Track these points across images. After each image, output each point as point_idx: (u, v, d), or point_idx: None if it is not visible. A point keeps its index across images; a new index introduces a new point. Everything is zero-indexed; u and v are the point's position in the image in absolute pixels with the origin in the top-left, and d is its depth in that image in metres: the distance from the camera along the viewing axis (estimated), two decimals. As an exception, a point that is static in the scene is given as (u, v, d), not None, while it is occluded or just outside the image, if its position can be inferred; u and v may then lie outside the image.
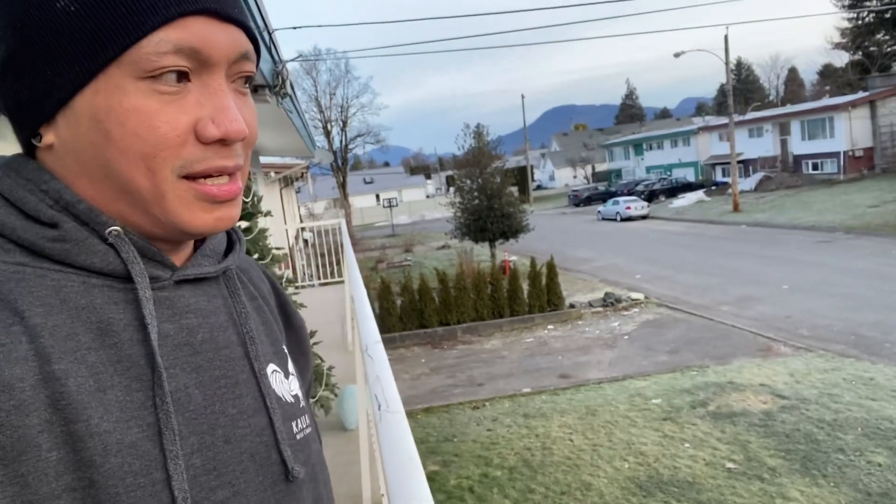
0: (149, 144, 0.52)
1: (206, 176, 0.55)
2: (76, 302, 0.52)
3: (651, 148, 49.34)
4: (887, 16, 42.09)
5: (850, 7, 44.69)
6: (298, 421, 0.66)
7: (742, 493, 5.87)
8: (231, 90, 0.56)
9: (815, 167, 32.72)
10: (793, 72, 76.93)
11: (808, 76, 72.02)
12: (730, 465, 6.45)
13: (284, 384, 0.67)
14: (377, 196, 60.30)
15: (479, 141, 19.05)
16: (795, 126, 34.12)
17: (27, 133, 0.56)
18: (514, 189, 20.39)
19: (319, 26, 17.65)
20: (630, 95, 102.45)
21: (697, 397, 8.25)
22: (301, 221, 19.28)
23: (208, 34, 0.53)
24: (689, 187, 37.77)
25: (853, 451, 6.32)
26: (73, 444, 0.48)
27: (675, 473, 6.43)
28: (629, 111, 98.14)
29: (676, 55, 28.80)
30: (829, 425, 6.84)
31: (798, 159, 33.82)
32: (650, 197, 36.54)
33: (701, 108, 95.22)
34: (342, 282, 8.36)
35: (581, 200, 42.83)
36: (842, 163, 31.04)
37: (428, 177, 75.91)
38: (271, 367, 0.65)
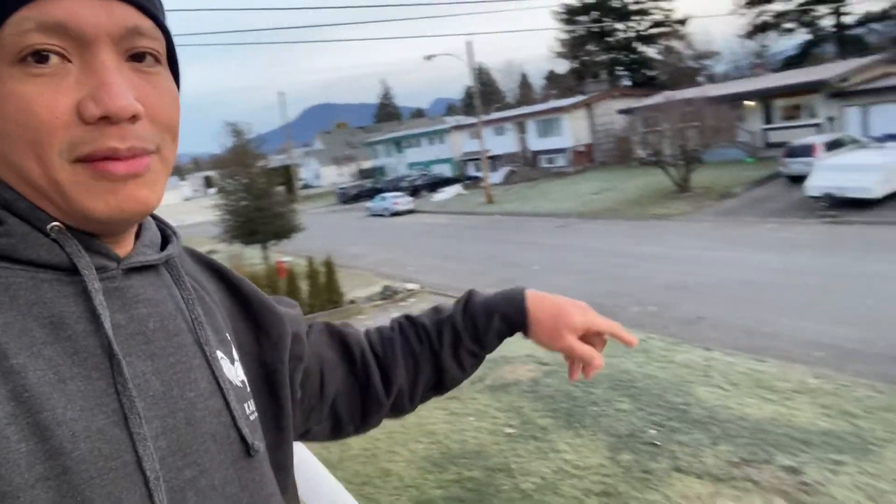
0: (30, 130, 0.51)
1: (98, 159, 0.53)
2: (26, 298, 0.52)
3: (411, 145, 51.62)
4: (595, 30, 49.45)
5: (567, 22, 51.70)
6: (248, 404, 0.68)
7: (521, 453, 6.58)
8: (127, 68, 0.54)
9: (549, 161, 37.16)
10: (525, 77, 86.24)
11: (537, 81, 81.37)
12: (508, 430, 7.18)
13: (231, 370, 0.68)
14: (122, 201, 54.00)
15: (240, 139, 18.25)
16: (531, 125, 38.43)
17: None
18: (281, 188, 19.94)
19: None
20: (386, 95, 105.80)
21: (476, 373, 8.99)
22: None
23: (77, 9, 0.51)
24: (447, 182, 40.28)
25: (604, 402, 7.46)
26: (40, 433, 0.48)
27: (463, 446, 6.97)
28: (386, 110, 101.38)
29: (427, 58, 30.65)
30: (583, 383, 7.99)
31: (535, 155, 38.13)
32: (414, 192, 38.23)
33: (451, 109, 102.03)
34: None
35: (349, 198, 43.37)
36: (569, 157, 35.79)
37: (182, 178, 70.22)
38: (218, 353, 0.66)
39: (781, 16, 36.21)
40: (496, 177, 35.79)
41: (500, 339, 0.98)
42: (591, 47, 52.44)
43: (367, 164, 59.96)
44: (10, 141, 0.52)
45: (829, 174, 15.82)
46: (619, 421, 6.97)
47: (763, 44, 39.92)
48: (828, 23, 35.39)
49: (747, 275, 11.78)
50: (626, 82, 48.43)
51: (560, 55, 55.97)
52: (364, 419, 0.94)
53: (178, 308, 0.64)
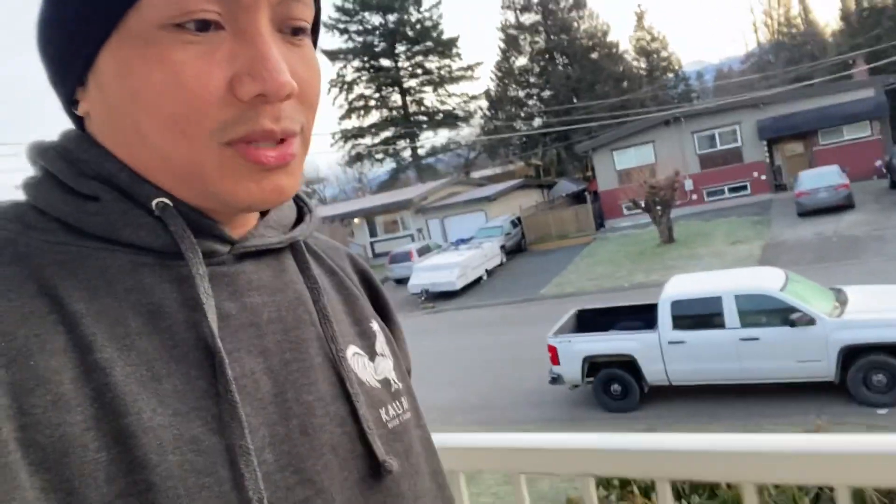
0: (178, 103, 0.45)
1: (252, 141, 0.47)
2: (123, 283, 0.47)
3: None
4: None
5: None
6: (390, 407, 0.59)
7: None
8: (278, 39, 0.48)
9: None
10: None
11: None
12: None
13: (369, 367, 0.60)
14: None
15: None
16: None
17: (66, 102, 0.51)
18: None
19: None
20: None
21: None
22: None
23: None
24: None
25: None
26: (124, 441, 0.41)
27: None
28: None
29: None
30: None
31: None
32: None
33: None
34: None
35: None
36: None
37: None
38: (352, 349, 0.59)
39: (371, 148, 43.10)
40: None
41: None
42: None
43: None
44: (151, 113, 0.46)
45: (423, 274, 19.18)
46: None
47: (361, 171, 46.60)
48: (407, 154, 43.44)
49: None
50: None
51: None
52: None
53: (301, 298, 0.56)
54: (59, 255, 0.46)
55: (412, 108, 42.98)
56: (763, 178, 23.27)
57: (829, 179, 18.15)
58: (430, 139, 44.14)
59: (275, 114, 0.47)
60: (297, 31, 0.50)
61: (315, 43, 0.55)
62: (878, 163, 21.04)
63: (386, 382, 0.61)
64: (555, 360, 8.69)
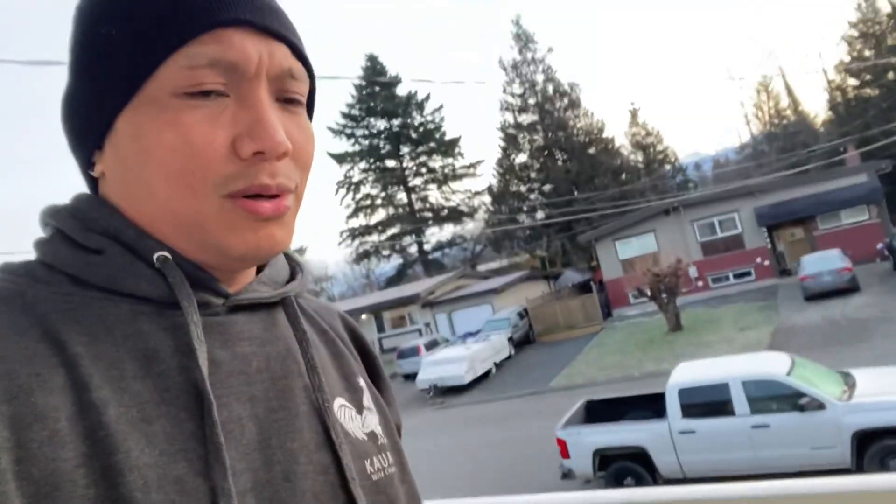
0: (186, 159, 0.50)
1: (250, 195, 0.52)
2: (122, 330, 0.50)
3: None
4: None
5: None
6: (374, 459, 0.61)
7: None
8: (275, 106, 0.54)
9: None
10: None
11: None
12: None
13: (356, 420, 0.62)
14: None
15: None
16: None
17: (84, 165, 0.56)
18: None
19: None
20: None
21: None
22: None
23: (246, 47, 0.51)
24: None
25: None
26: (111, 478, 0.43)
27: None
28: None
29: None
30: None
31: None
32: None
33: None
34: None
35: None
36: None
37: None
38: (339, 401, 0.61)
39: (378, 245, 43.90)
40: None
41: None
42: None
43: None
44: (161, 169, 0.50)
45: (431, 368, 18.96)
46: None
47: (368, 267, 47.20)
48: (413, 249, 44.16)
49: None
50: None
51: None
52: None
53: (290, 350, 0.59)
54: (64, 304, 0.50)
55: (417, 205, 44.04)
56: (766, 263, 23.42)
57: (832, 263, 18.26)
58: (435, 234, 44.94)
59: (271, 171, 0.52)
60: (292, 101, 0.56)
61: (310, 114, 0.62)
62: (880, 245, 21.23)
63: (372, 435, 0.63)
64: (564, 453, 8.50)
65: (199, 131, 0.50)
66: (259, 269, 0.62)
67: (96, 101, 0.53)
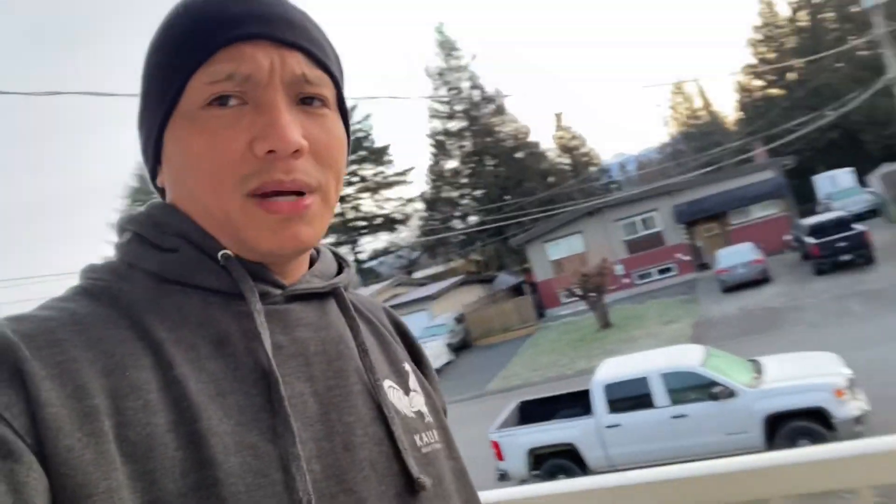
0: (212, 162, 0.56)
1: (272, 194, 0.57)
2: (196, 317, 0.56)
3: None
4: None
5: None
6: (423, 435, 0.66)
7: None
8: (297, 109, 0.59)
9: None
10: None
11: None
12: None
13: (404, 400, 0.67)
14: None
15: None
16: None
17: (153, 177, 0.65)
18: None
19: None
20: None
21: None
22: None
23: (258, 58, 0.57)
24: None
25: None
26: (196, 442, 0.49)
27: None
28: None
29: None
30: None
31: None
32: None
33: None
34: None
35: None
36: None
37: None
38: (388, 382, 0.66)
39: (312, 256, 43.28)
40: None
41: None
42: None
43: None
44: (196, 174, 0.57)
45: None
46: None
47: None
48: (350, 258, 43.72)
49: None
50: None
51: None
52: None
53: (342, 336, 0.65)
54: (146, 296, 0.57)
55: (350, 215, 43.70)
56: (687, 258, 24.53)
57: (745, 256, 19.31)
58: (370, 243, 44.75)
59: (286, 168, 0.57)
60: (312, 100, 0.61)
61: (345, 117, 0.67)
62: (788, 237, 22.65)
63: (419, 414, 0.68)
64: (499, 455, 8.68)
65: (222, 135, 0.56)
66: (311, 265, 0.69)
67: (147, 122, 0.62)
